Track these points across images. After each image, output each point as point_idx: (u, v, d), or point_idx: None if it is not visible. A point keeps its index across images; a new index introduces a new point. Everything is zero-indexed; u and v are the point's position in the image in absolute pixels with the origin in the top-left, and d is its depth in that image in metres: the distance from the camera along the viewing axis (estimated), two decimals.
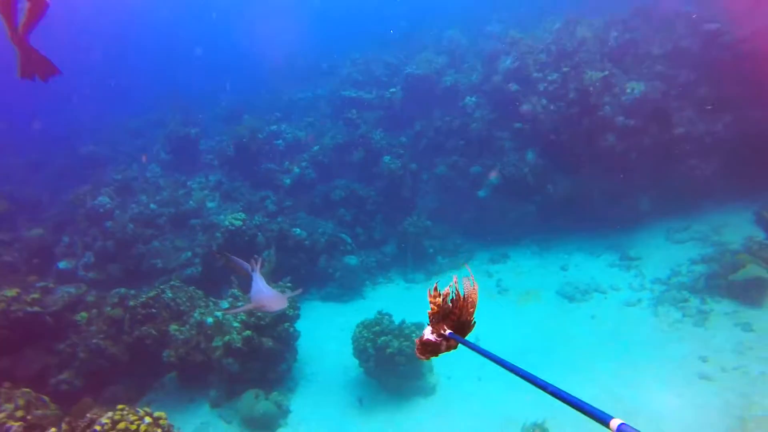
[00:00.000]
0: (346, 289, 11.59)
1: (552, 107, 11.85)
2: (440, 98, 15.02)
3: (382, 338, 8.08)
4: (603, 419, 1.10)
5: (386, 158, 13.67)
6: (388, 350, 7.96)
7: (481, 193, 12.72)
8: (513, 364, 1.36)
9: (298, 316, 9.12)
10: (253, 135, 15.05)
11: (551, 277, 11.14)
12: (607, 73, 11.33)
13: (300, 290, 7.36)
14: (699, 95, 11.54)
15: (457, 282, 1.80)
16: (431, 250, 12.46)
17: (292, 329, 8.81)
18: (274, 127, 16.03)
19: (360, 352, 8.28)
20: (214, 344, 8.34)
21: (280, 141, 15.64)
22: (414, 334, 8.17)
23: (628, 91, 11.11)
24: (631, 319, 9.29)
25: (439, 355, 1.76)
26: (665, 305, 9.39)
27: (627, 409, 7.26)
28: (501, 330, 9.37)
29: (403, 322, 8.43)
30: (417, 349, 1.78)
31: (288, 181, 14.24)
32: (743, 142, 11.20)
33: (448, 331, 1.74)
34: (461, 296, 1.78)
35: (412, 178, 13.85)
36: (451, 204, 13.33)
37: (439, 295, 1.77)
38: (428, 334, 1.75)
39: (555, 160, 12.14)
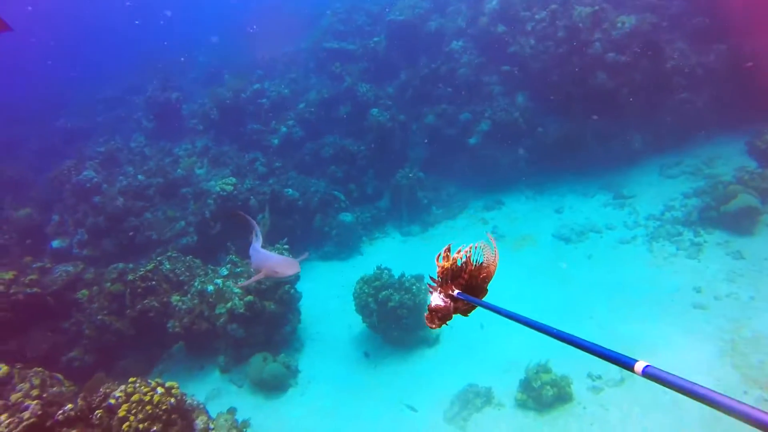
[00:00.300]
0: (344, 246, 11.64)
1: (541, 47, 11.48)
2: (425, 44, 14.50)
3: (383, 293, 8.19)
4: (627, 364, 1.07)
5: (374, 111, 13.34)
6: (390, 304, 8.08)
7: (472, 141, 12.55)
8: (533, 320, 1.30)
9: (298, 278, 9.17)
10: (236, 95, 14.58)
11: (546, 221, 11.21)
12: (597, 8, 10.90)
13: (307, 254, 7.30)
14: (691, 26, 11.20)
15: (473, 248, 1.71)
16: (425, 201, 12.44)
17: (293, 291, 8.89)
18: (257, 86, 15.52)
19: (362, 307, 8.42)
20: (217, 311, 8.43)
21: (264, 100, 15.19)
22: (414, 287, 8.28)
23: (619, 25, 10.74)
24: (627, 257, 9.45)
25: (450, 320, 1.66)
26: (660, 240, 9.53)
27: (624, 343, 7.50)
28: (499, 276, 9.46)
29: (402, 275, 8.52)
30: (426, 318, 1.67)
31: (276, 141, 13.94)
32: (735, 72, 11.00)
33: (456, 292, 1.64)
34: (471, 261, 1.70)
35: (402, 129, 13.59)
36: (442, 153, 13.17)
37: (449, 256, 1.68)
38: (436, 298, 1.65)
39: (545, 102, 11.91)
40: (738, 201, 9.20)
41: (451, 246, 1.70)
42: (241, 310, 8.31)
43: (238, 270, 9.19)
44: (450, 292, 1.64)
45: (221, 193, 10.89)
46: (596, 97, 11.11)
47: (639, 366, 1.05)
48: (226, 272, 9.26)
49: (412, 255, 11.10)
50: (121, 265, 9.17)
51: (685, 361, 7.00)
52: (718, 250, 8.99)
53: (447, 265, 1.66)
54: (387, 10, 15.70)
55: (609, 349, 1.10)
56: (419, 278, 8.61)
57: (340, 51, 15.86)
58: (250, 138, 14.13)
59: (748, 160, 10.55)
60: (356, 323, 8.82)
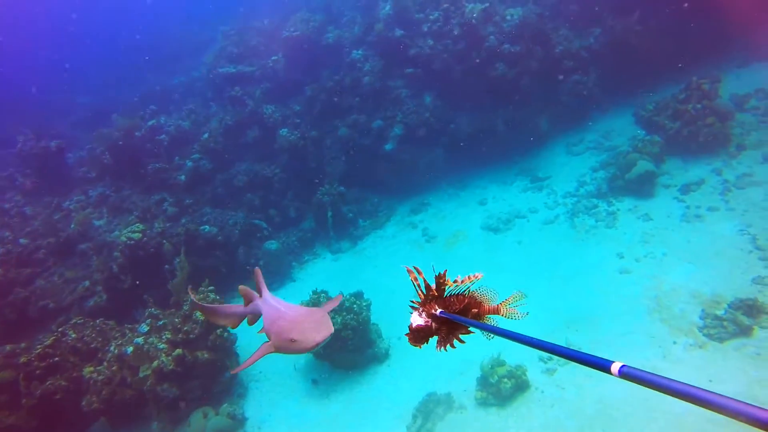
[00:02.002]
0: (274, 275, 10.98)
1: (440, 46, 11.70)
2: (325, 57, 14.27)
3: None
4: (604, 365, 1.09)
5: (283, 131, 12.85)
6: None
7: (388, 147, 12.47)
8: (518, 333, 1.27)
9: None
10: (128, 135, 13.35)
11: (473, 215, 11.36)
12: (487, 5, 11.32)
13: (340, 296, 4.57)
14: (569, 13, 12.00)
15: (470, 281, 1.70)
16: (351, 215, 12.13)
17: (226, 334, 8.14)
18: (152, 122, 14.36)
19: None
20: (141, 374, 7.47)
21: (162, 136, 14.07)
22: (355, 305, 7.91)
23: (508, 17, 11.23)
24: (553, 236, 9.78)
25: (432, 337, 1.64)
26: (580, 215, 9.97)
27: (566, 318, 7.68)
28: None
29: (340, 294, 8.09)
30: (408, 338, 1.64)
31: (183, 177, 12.92)
32: (612, 51, 11.95)
33: (439, 311, 1.60)
34: (465, 292, 1.69)
35: (315, 146, 13.21)
36: (360, 164, 12.96)
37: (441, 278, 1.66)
38: (416, 318, 1.61)
39: (453, 98, 12.14)
40: (638, 168, 9.89)
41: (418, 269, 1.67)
42: (171, 367, 7.44)
43: (161, 323, 8.25)
44: (433, 311, 1.61)
45: (128, 242, 9.82)
46: (500, 87, 11.51)
47: (615, 367, 1.07)
48: (146, 329, 8.26)
49: (346, 272, 10.72)
50: (8, 347, 7.82)
51: (623, 325, 7.28)
52: (630, 216, 9.57)
53: (427, 290, 1.64)
54: (280, 27, 15.30)
55: (587, 354, 1.12)
56: (358, 295, 8.25)
57: (237, 74, 15.17)
58: (154, 178, 12.98)
59: (637, 129, 11.44)
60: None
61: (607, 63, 11.94)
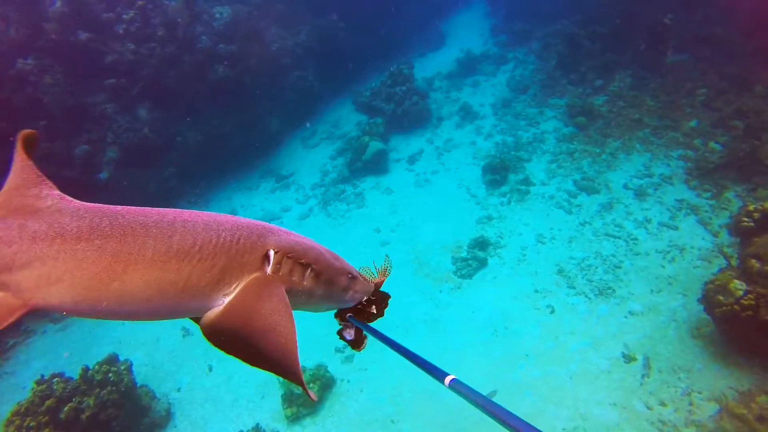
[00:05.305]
0: None
1: (144, 51, 10.15)
2: None
3: (69, 406, 5.79)
4: (440, 377, 1.30)
5: None
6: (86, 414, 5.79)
7: (102, 176, 10.30)
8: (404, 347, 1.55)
9: None
10: None
11: None
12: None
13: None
14: (275, 12, 12.14)
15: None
16: None
17: None
18: None
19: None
20: None
21: None
22: (110, 374, 6.18)
23: (218, 15, 10.57)
24: (312, 228, 9.84)
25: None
26: (331, 203, 10.29)
27: None
28: None
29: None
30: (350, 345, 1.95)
31: None
32: (323, 47, 12.71)
33: (348, 315, 1.90)
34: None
35: None
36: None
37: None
38: (348, 332, 1.98)
39: (173, 108, 10.79)
40: (370, 148, 10.81)
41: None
42: None
43: None
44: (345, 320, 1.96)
45: None
46: (223, 89, 10.79)
47: (447, 379, 1.28)
48: None
49: (77, 341, 8.36)
50: None
51: (398, 291, 7.80)
52: (375, 193, 10.40)
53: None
54: None
55: (428, 362, 1.39)
56: (110, 360, 6.49)
57: None
58: None
59: (360, 115, 12.58)
60: None
61: (321, 58, 12.62)
